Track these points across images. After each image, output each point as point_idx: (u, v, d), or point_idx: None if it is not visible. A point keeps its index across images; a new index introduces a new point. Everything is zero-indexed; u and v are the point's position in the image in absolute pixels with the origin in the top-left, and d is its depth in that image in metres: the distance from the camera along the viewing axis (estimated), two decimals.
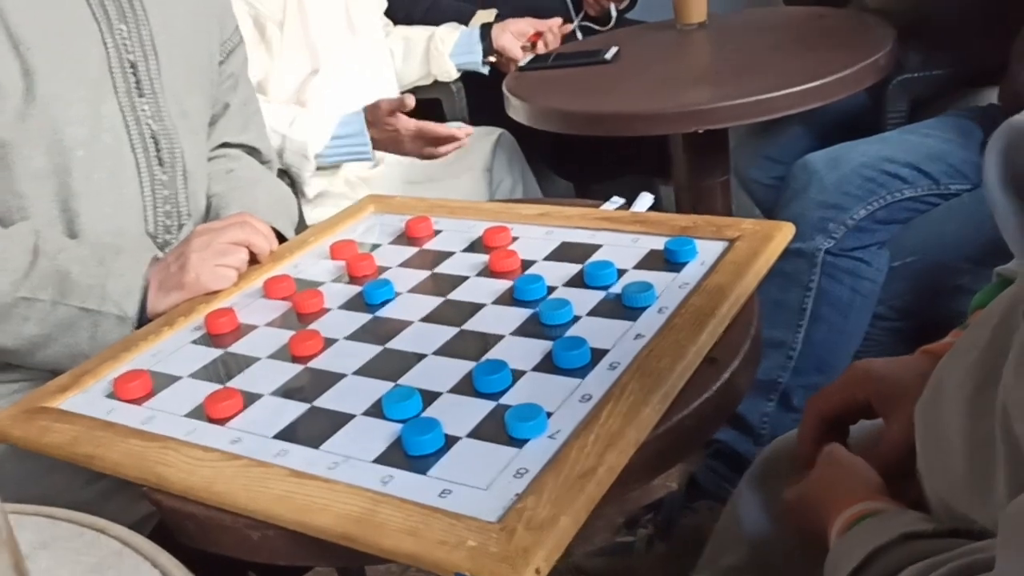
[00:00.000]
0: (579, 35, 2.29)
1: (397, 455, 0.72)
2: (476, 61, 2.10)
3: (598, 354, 0.80)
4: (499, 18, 2.17)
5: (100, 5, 1.08)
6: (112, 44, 1.09)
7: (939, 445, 0.63)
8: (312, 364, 0.87)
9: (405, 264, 1.04)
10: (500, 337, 0.86)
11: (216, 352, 0.92)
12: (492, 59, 2.11)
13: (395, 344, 0.88)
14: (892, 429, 0.74)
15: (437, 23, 2.15)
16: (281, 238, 1.21)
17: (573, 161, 2.42)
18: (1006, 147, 0.44)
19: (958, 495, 0.60)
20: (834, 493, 0.72)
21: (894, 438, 0.73)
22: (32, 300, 0.99)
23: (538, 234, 1.06)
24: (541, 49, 2.10)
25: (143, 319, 1.01)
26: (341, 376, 0.84)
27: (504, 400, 0.76)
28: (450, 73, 2.12)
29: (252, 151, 1.33)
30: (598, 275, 0.92)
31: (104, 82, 1.09)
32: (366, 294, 0.97)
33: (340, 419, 0.78)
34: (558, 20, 2.14)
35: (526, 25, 2.10)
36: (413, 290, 0.98)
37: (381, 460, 0.72)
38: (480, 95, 2.15)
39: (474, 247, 1.05)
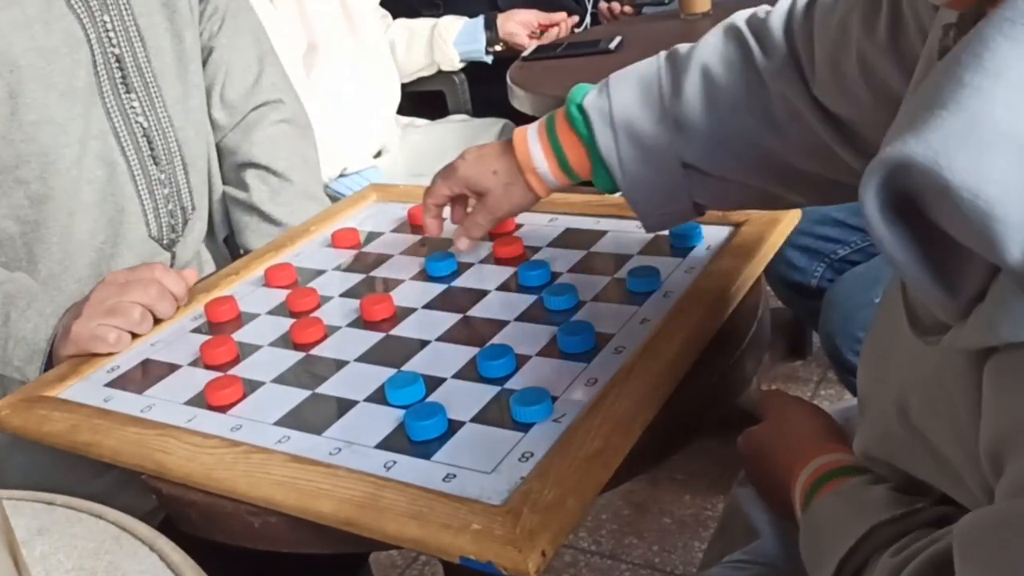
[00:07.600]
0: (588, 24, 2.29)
1: (400, 440, 0.71)
2: (479, 50, 2.09)
3: (603, 338, 0.79)
4: (505, 8, 2.17)
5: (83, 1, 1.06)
6: (96, 38, 1.06)
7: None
8: (314, 351, 0.86)
9: (407, 252, 1.03)
10: (504, 323, 0.85)
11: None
12: (496, 48, 2.10)
13: (398, 331, 0.87)
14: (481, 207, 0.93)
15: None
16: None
17: None
18: (885, 178, 0.42)
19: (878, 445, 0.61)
20: (792, 439, 0.72)
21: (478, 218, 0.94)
22: None
23: (542, 221, 1.05)
24: (548, 39, 2.09)
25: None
26: (344, 363, 0.83)
27: (509, 385, 0.75)
28: (453, 62, 2.11)
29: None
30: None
31: (91, 87, 1.06)
32: None
33: (342, 405, 0.76)
34: (563, 14, 2.14)
35: (531, 16, 2.09)
36: (415, 277, 0.97)
37: (384, 446, 0.70)
38: (483, 86, 2.14)
39: None
